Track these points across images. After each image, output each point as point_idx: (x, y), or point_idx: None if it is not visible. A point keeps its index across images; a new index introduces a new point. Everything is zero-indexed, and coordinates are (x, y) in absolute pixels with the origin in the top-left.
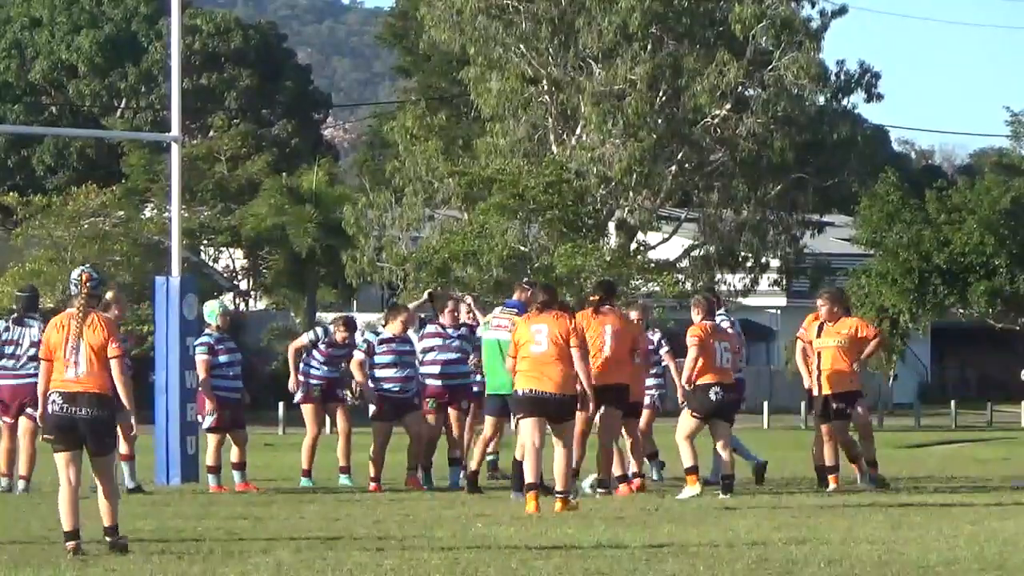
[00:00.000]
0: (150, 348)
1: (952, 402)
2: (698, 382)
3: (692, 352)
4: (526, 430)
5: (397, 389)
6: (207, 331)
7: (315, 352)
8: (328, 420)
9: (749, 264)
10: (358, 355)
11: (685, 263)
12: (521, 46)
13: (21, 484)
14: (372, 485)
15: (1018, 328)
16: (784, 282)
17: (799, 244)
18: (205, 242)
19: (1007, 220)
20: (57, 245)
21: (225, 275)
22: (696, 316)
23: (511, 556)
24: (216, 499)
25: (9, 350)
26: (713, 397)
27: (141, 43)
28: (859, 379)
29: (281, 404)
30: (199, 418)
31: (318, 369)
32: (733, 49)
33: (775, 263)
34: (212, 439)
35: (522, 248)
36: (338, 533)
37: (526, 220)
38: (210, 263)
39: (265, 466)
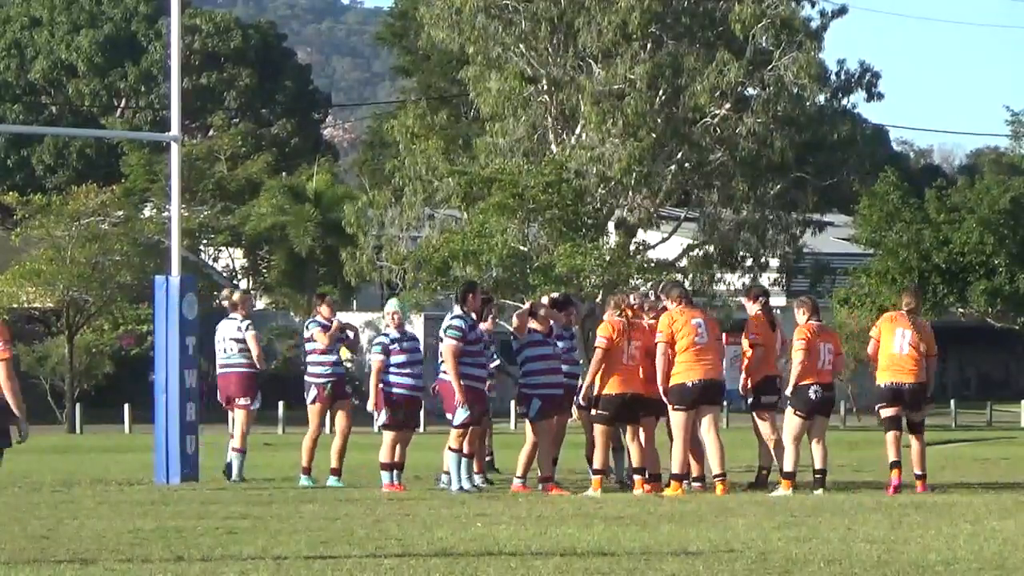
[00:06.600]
0: (150, 348)
1: (952, 402)
2: (800, 383)
3: (799, 355)
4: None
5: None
6: (385, 331)
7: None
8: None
9: (749, 264)
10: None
11: (685, 262)
12: (520, 45)
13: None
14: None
15: (1018, 328)
16: (784, 282)
17: (799, 244)
18: (205, 242)
19: (1007, 220)
20: (57, 245)
21: (225, 275)
22: (801, 317)
23: (511, 556)
24: (216, 499)
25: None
26: (813, 396)
27: (141, 43)
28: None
29: (281, 404)
30: (376, 414)
31: (320, 365)
32: (733, 49)
33: (775, 263)
34: (387, 436)
35: (522, 248)
36: (338, 533)
37: (526, 220)
38: (210, 263)
39: (265, 466)
